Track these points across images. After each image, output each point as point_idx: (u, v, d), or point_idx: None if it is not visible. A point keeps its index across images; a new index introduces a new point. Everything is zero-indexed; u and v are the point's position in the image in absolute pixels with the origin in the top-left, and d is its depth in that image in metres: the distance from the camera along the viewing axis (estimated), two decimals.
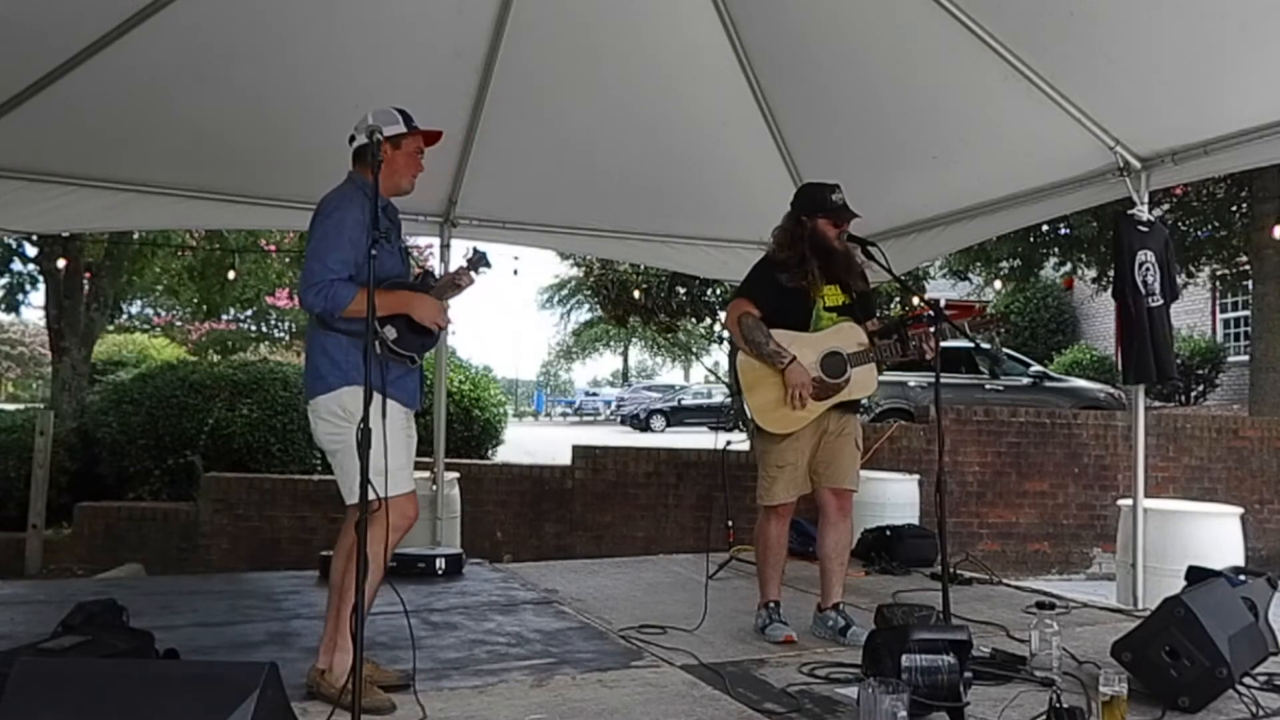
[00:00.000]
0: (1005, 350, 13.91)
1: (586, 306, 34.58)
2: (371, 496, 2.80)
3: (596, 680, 3.35)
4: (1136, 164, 4.74)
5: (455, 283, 3.17)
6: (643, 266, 12.47)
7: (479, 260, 3.19)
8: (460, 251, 5.86)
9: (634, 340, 36.71)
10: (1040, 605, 3.81)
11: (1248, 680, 3.20)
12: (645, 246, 6.80)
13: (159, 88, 4.69)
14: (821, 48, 4.99)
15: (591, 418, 35.49)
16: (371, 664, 3.17)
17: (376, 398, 2.86)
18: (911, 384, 11.63)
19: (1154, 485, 8.01)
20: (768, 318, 3.93)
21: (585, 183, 6.04)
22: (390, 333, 2.97)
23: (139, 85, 4.63)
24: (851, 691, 3.12)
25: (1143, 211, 4.81)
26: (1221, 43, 3.89)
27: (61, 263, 9.91)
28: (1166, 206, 11.68)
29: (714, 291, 13.14)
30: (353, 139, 3.14)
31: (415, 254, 13.65)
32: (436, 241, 6.34)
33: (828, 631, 3.97)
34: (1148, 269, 4.75)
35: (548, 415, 39.91)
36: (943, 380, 3.83)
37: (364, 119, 3.07)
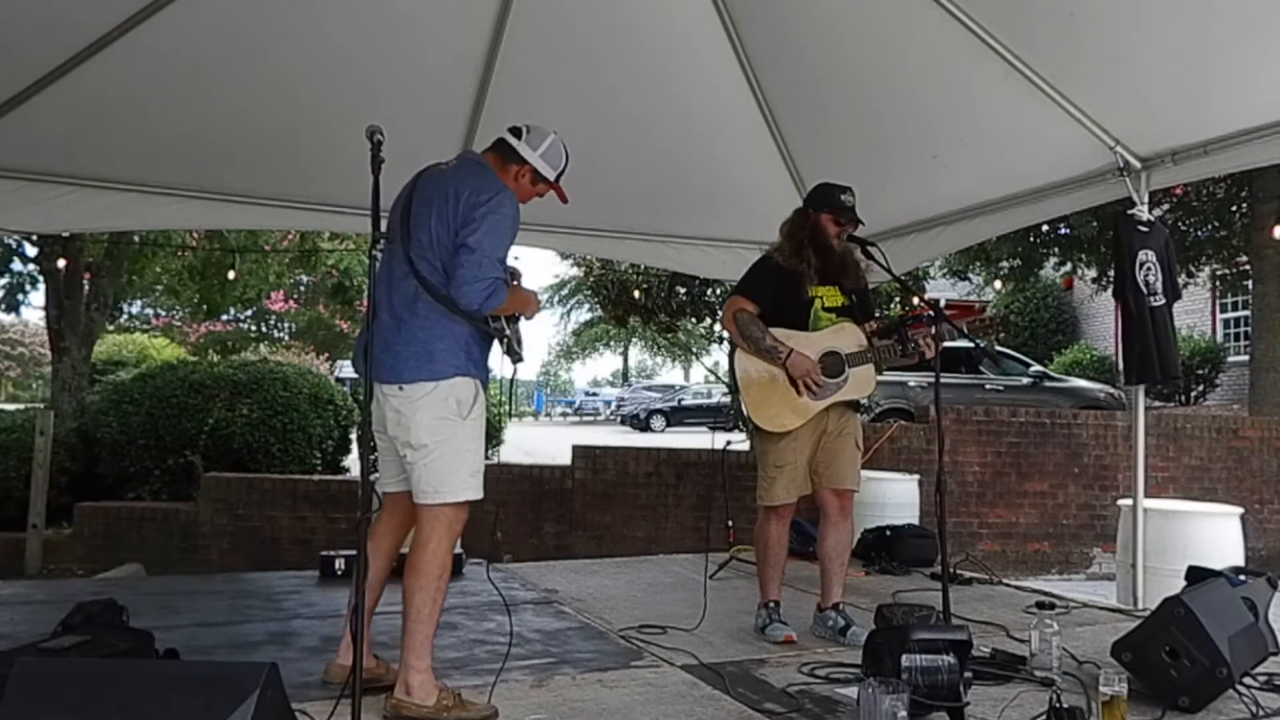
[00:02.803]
0: (1005, 350, 13.92)
1: (586, 306, 34.59)
2: (464, 499, 2.83)
3: (596, 680, 3.35)
4: (1136, 164, 4.74)
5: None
6: (643, 266, 12.46)
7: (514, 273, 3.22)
8: None
9: (634, 340, 36.71)
10: (1040, 605, 3.81)
11: (1248, 680, 3.20)
12: (645, 246, 6.79)
13: (160, 87, 4.68)
14: (821, 48, 4.99)
15: (591, 418, 35.49)
16: (384, 664, 3.17)
17: (483, 395, 2.94)
18: (911, 384, 11.63)
19: (1154, 485, 8.02)
20: (765, 317, 3.94)
21: (585, 183, 5.94)
22: (508, 328, 2.97)
23: (139, 85, 4.62)
24: (851, 691, 3.12)
25: (1143, 211, 4.81)
26: (1221, 43, 3.89)
27: (61, 263, 9.92)
28: (1166, 206, 11.69)
29: (714, 291, 13.14)
30: (518, 132, 3.07)
31: None
32: None
33: (828, 631, 3.97)
34: (1149, 269, 4.75)
35: (547, 415, 39.88)
36: (943, 380, 3.84)
37: (544, 135, 3.06)
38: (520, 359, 3.05)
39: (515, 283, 3.07)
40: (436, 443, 2.83)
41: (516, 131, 3.09)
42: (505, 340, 2.94)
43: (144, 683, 2.14)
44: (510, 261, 3.01)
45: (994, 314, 4.58)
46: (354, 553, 3.47)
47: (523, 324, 3.14)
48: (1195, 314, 17.18)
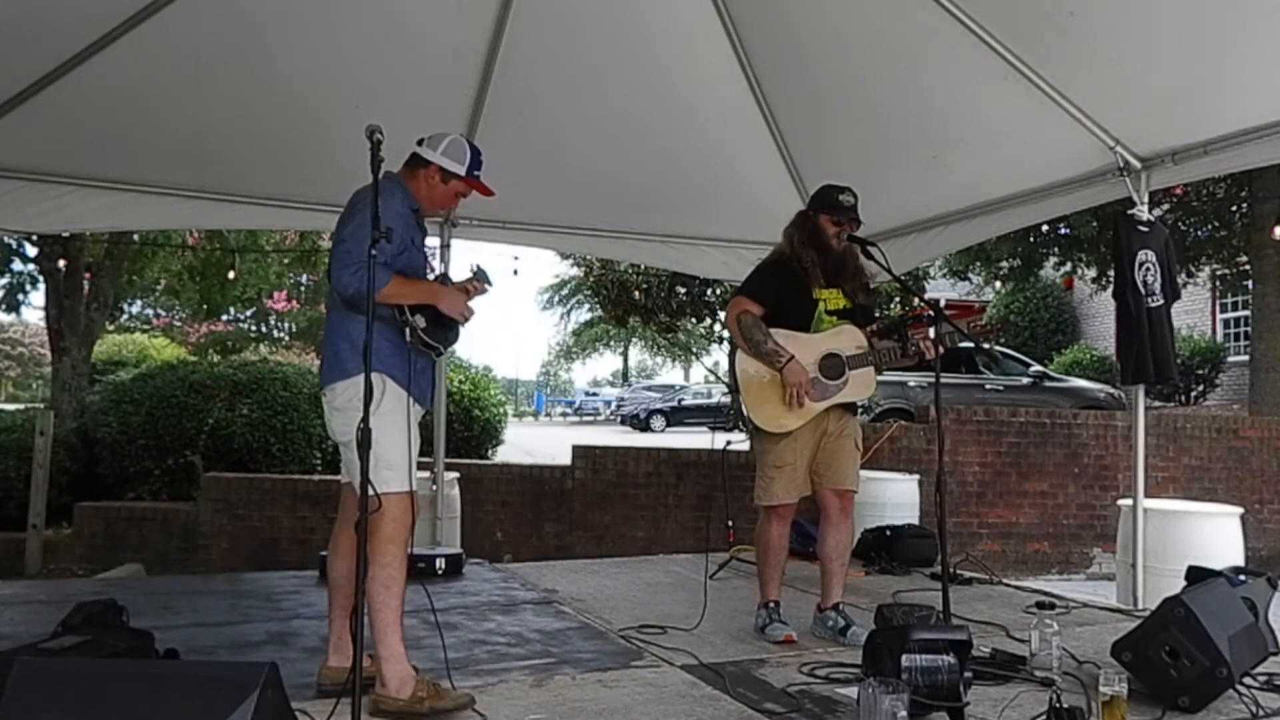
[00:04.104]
0: (1005, 350, 13.93)
1: (586, 306, 34.60)
2: (387, 490, 2.84)
3: (596, 680, 3.35)
4: (1136, 164, 4.74)
5: (464, 288, 3.19)
6: (643, 266, 12.47)
7: (482, 277, 3.23)
8: (462, 260, 5.89)
9: (634, 340, 36.71)
10: (1040, 605, 3.81)
11: (1248, 680, 3.20)
12: (645, 246, 6.80)
13: (159, 87, 4.69)
14: (821, 48, 4.99)
15: (591, 418, 35.49)
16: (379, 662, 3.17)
17: (397, 388, 2.96)
18: (911, 384, 11.62)
19: (1154, 485, 8.01)
20: (769, 318, 3.95)
21: (585, 183, 6.04)
22: (420, 321, 2.99)
23: (139, 85, 4.63)
24: (851, 691, 3.12)
25: (1143, 211, 4.81)
26: (1221, 43, 3.90)
27: (61, 263, 9.92)
28: (1166, 206, 11.69)
29: (714, 291, 13.15)
30: (421, 141, 3.16)
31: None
32: (436, 241, 6.33)
33: (828, 631, 3.97)
34: (1148, 269, 4.75)
35: (548, 415, 39.90)
36: (943, 380, 3.84)
37: (443, 137, 3.14)
38: (437, 351, 3.10)
39: (466, 282, 3.15)
40: (350, 439, 2.89)
41: (420, 141, 3.19)
42: (412, 331, 2.97)
43: (144, 683, 2.14)
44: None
45: (990, 319, 4.59)
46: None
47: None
48: (1195, 314, 17.17)
